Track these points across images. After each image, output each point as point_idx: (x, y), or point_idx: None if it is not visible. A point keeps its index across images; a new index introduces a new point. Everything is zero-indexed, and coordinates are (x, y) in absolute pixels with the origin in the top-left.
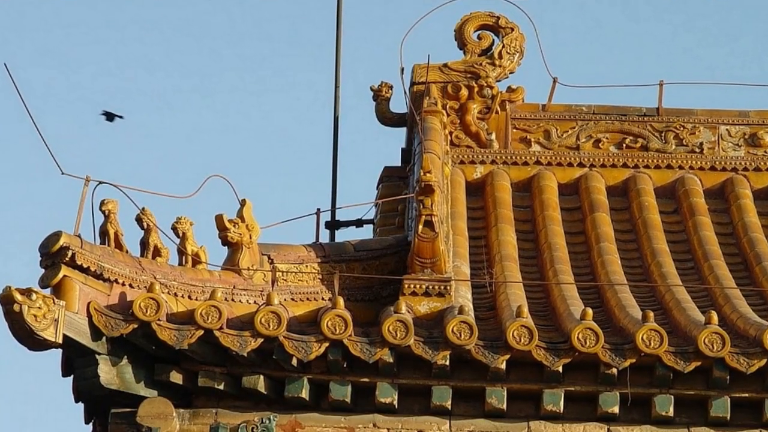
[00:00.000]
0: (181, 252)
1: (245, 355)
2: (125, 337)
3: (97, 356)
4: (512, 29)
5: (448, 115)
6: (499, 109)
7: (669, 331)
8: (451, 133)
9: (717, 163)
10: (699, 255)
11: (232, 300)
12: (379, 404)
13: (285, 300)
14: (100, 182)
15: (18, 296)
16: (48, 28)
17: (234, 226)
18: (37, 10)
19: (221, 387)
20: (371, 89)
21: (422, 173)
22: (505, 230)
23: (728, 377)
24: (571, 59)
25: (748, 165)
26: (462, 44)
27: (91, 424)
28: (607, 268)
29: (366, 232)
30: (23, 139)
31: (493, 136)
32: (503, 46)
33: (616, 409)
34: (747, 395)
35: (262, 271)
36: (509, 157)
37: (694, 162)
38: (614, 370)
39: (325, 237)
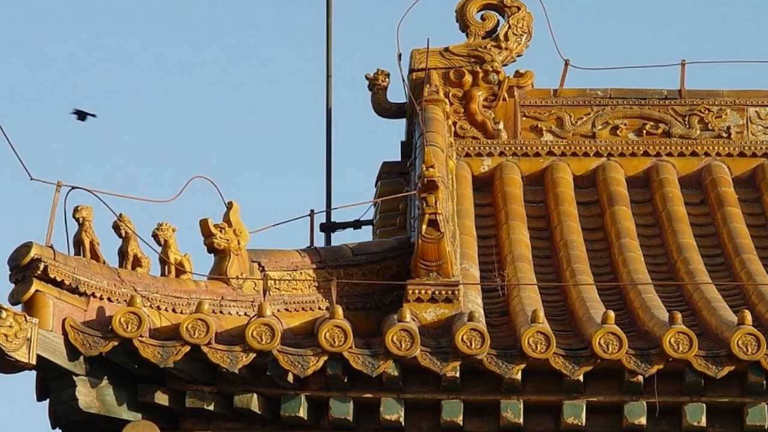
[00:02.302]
0: (164, 261)
1: (236, 371)
2: (105, 355)
3: (74, 377)
4: (518, 8)
5: (451, 104)
6: (506, 95)
7: (699, 334)
8: (454, 123)
9: (746, 148)
10: (729, 249)
11: (221, 312)
12: (384, 422)
13: (278, 311)
14: (73, 187)
15: None
16: (13, 21)
17: (220, 231)
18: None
19: (211, 407)
20: (366, 78)
21: (424, 168)
22: (516, 228)
23: (765, 382)
24: (583, 39)
25: None
26: (464, 26)
27: None
28: (629, 267)
29: (365, 234)
30: None
31: (501, 126)
32: (509, 27)
33: (643, 420)
34: None
35: (252, 280)
36: (519, 148)
37: (721, 148)
38: (640, 378)
39: (320, 241)
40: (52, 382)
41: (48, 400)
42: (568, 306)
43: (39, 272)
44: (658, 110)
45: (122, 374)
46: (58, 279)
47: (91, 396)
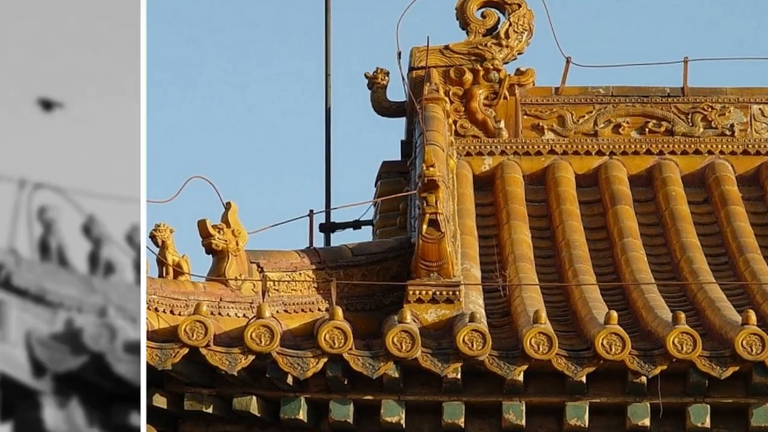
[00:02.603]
0: (161, 262)
1: (235, 374)
2: (76, 372)
3: (40, 397)
4: (519, 5)
5: (452, 103)
6: (507, 94)
7: (703, 334)
8: (455, 122)
9: (750, 146)
10: (733, 248)
11: (219, 314)
12: (384, 424)
13: (277, 312)
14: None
15: None
16: None
17: (219, 232)
18: None
19: (210, 410)
20: (366, 76)
21: (424, 167)
22: (518, 228)
23: None
24: (585, 36)
25: None
26: (464, 24)
27: None
28: (632, 266)
29: (364, 235)
30: None
31: (502, 124)
32: (510, 25)
33: (647, 422)
34: None
35: (251, 281)
36: (520, 147)
37: (724, 146)
38: (643, 379)
39: (319, 241)
40: (16, 402)
41: (12, 422)
42: (571, 306)
43: (1, 280)
44: (661, 108)
45: (92, 392)
46: (23, 288)
47: (58, 417)
